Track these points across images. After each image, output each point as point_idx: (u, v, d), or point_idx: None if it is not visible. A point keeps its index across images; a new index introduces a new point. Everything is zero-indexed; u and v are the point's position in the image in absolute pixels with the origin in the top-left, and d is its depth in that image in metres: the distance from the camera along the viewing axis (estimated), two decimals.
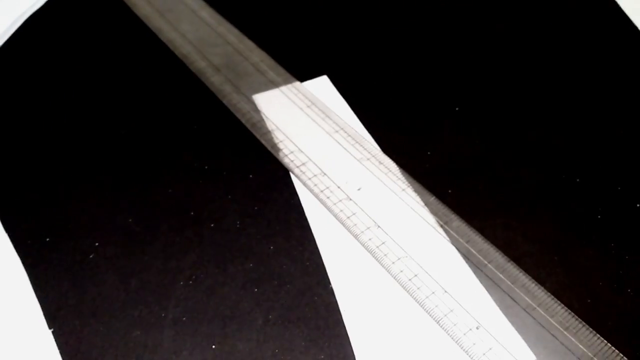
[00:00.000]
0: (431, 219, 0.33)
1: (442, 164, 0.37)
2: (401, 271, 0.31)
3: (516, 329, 0.28)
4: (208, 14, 0.47)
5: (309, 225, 0.33)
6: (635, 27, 0.45)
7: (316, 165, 0.36)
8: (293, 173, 0.36)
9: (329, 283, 0.31)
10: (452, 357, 0.28)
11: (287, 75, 0.41)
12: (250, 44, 0.44)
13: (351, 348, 0.29)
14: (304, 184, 0.35)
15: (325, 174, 0.35)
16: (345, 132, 0.37)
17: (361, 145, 0.36)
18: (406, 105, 0.41)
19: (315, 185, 0.35)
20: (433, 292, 0.30)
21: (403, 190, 0.34)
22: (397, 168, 0.35)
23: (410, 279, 0.30)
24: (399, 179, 0.35)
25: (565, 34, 0.45)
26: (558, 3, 0.48)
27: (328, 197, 0.34)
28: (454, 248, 0.31)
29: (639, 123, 0.39)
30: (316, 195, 0.34)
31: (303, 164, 0.36)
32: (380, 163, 0.35)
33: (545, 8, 0.48)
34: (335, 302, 0.30)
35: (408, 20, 0.47)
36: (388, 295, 0.30)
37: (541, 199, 0.35)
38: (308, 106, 0.39)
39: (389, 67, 0.43)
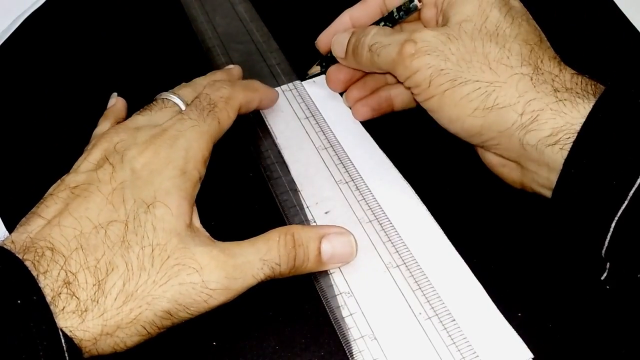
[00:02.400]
0: (387, 258, 0.31)
1: (439, 162, 0.36)
2: (339, 307, 0.30)
3: None
4: (244, 9, 0.47)
5: None
6: (633, 26, 0.43)
7: (294, 180, 0.35)
8: (269, 184, 0.35)
9: (330, 281, 0.31)
10: (450, 352, 0.28)
11: (298, 83, 0.41)
12: (274, 45, 0.44)
13: (350, 346, 0.28)
14: (276, 197, 0.35)
15: (299, 190, 0.35)
16: (334, 150, 0.37)
17: (344, 167, 0.36)
18: None
19: (286, 200, 0.34)
20: (370, 334, 0.29)
21: (369, 222, 0.33)
22: (373, 197, 0.34)
23: (345, 317, 0.29)
24: (370, 209, 0.33)
25: (561, 33, 0.41)
26: (555, 3, 0.46)
27: (294, 216, 0.34)
28: (399, 292, 0.30)
29: None
30: (283, 211, 0.34)
31: (280, 177, 0.35)
32: (357, 189, 0.34)
33: (543, 8, 0.44)
34: (336, 300, 0.30)
35: None
36: (387, 294, 0.30)
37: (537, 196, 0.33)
38: (307, 117, 0.39)
39: None
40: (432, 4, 0.34)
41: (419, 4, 0.34)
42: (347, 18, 0.38)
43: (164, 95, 0.34)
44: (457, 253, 0.31)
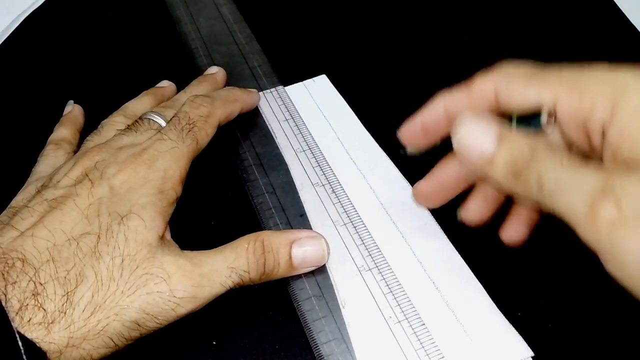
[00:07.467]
0: (360, 261, 0.31)
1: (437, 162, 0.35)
2: (310, 310, 0.30)
3: None
4: (228, 10, 0.47)
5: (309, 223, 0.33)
6: (633, 25, 0.44)
7: (270, 182, 0.35)
8: (245, 186, 0.36)
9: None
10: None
11: (278, 85, 0.41)
12: (256, 46, 0.44)
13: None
14: (252, 199, 0.35)
15: (275, 193, 0.35)
16: (312, 152, 0.37)
17: (321, 169, 0.36)
18: (403, 104, 0.39)
19: (261, 203, 0.34)
20: (339, 338, 0.29)
21: (344, 224, 0.33)
22: (348, 200, 0.34)
23: (314, 320, 0.29)
24: (345, 211, 0.33)
25: (562, 34, 0.44)
26: (555, 3, 0.46)
27: (269, 218, 0.34)
28: (370, 295, 0.30)
29: None
30: (258, 214, 0.34)
31: (257, 179, 0.35)
32: (333, 192, 0.34)
33: (543, 8, 0.46)
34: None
35: (405, 21, 0.46)
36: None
37: None
38: (286, 119, 0.39)
39: (386, 67, 0.43)
40: (578, 125, 0.24)
41: (546, 120, 0.24)
42: (440, 107, 0.28)
43: (149, 115, 0.34)
44: (457, 252, 0.31)
